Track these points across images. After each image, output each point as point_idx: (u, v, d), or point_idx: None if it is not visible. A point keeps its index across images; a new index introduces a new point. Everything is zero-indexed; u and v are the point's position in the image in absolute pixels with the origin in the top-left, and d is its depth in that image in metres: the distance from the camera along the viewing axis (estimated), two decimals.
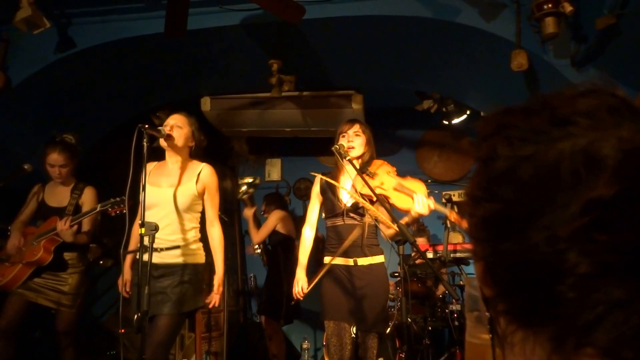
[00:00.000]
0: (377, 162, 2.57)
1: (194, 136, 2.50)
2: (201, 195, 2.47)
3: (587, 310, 0.33)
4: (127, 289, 2.46)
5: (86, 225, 2.93)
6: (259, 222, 4.29)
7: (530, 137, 0.38)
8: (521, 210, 0.36)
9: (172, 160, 2.47)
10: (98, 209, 2.73)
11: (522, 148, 0.38)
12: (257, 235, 4.14)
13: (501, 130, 0.41)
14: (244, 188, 4.28)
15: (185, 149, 2.49)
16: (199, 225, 2.49)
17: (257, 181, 4.39)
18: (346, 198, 2.52)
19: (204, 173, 2.48)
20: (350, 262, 2.47)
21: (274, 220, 4.12)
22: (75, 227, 2.79)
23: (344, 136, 2.55)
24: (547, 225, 0.35)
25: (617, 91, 0.39)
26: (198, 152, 2.56)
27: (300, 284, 2.47)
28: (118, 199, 2.63)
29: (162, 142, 2.40)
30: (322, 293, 2.51)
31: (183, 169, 2.48)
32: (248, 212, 4.30)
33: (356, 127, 2.56)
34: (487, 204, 0.39)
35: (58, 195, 2.96)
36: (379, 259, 2.52)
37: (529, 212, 0.36)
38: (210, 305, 2.43)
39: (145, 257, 2.08)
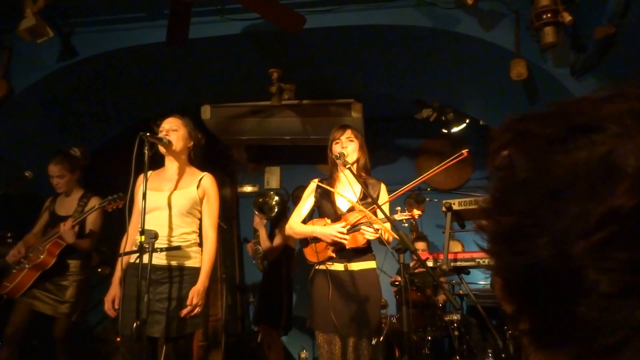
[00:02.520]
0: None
1: (191, 136, 2.50)
2: (201, 201, 2.46)
3: (609, 333, 0.31)
4: (116, 306, 2.30)
5: (89, 226, 2.98)
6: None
7: (547, 146, 0.36)
8: (532, 222, 0.34)
9: (172, 166, 2.47)
10: (97, 207, 2.82)
11: (539, 158, 0.36)
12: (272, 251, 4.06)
13: (518, 139, 0.39)
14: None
15: (185, 152, 2.48)
16: (198, 231, 2.47)
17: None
18: (343, 205, 2.54)
19: (205, 180, 2.48)
20: (341, 267, 2.46)
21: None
22: (77, 228, 2.83)
23: (337, 143, 2.56)
24: (560, 239, 0.33)
25: None
26: (198, 151, 2.54)
27: (336, 229, 2.38)
28: (115, 195, 2.72)
29: (162, 149, 2.40)
30: (312, 300, 2.50)
31: (184, 173, 2.48)
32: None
33: (348, 133, 2.57)
34: (500, 217, 0.38)
35: (66, 205, 3.04)
36: (370, 264, 2.51)
37: (540, 224, 0.34)
38: (182, 315, 2.26)
39: (145, 264, 2.07)
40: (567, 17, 2.56)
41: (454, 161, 2.32)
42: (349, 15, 3.13)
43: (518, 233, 0.36)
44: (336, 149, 2.54)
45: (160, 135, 2.38)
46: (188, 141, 2.48)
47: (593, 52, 2.66)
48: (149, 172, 2.42)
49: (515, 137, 0.39)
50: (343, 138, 2.55)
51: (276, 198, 4.17)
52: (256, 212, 4.17)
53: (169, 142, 2.38)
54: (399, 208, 2.42)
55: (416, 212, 2.39)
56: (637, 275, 0.30)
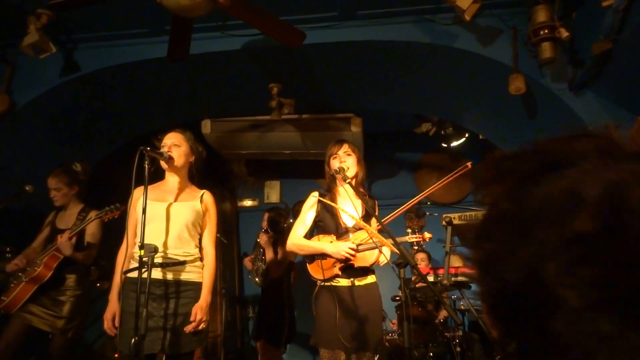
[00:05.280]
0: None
1: (192, 151, 2.51)
2: (203, 215, 2.47)
3: (578, 345, 0.34)
4: (117, 324, 2.24)
5: (88, 239, 2.96)
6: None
7: (524, 181, 0.40)
8: (508, 248, 0.38)
9: (174, 180, 2.48)
10: (93, 218, 2.81)
11: (516, 192, 0.40)
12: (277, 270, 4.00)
13: (498, 177, 0.44)
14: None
15: (186, 167, 2.50)
16: (200, 245, 2.46)
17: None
18: (348, 220, 2.54)
19: (206, 196, 2.52)
20: (347, 282, 2.46)
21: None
22: (75, 240, 2.81)
23: (335, 158, 2.56)
24: (529, 262, 0.36)
25: (612, 133, 0.41)
26: (199, 164, 2.55)
27: (347, 246, 2.38)
28: (112, 206, 2.71)
29: (163, 164, 2.41)
30: (316, 317, 2.47)
31: (185, 187, 2.50)
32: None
33: (345, 147, 2.58)
34: (481, 246, 0.42)
35: (66, 218, 3.04)
36: (372, 278, 2.52)
37: (515, 249, 0.37)
38: (187, 331, 2.23)
39: (144, 278, 2.06)
40: (564, 33, 2.59)
41: (458, 174, 2.33)
42: (349, 31, 3.17)
43: (495, 259, 0.40)
44: (334, 164, 2.54)
45: (163, 150, 2.38)
46: (190, 156, 2.50)
47: (591, 68, 2.69)
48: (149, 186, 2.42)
49: (495, 175, 0.44)
50: (340, 153, 2.56)
51: (289, 221, 4.09)
52: (266, 228, 4.08)
53: (170, 157, 2.39)
54: (409, 230, 2.43)
55: (427, 235, 2.41)
56: (600, 290, 0.33)
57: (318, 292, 2.49)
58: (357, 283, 2.45)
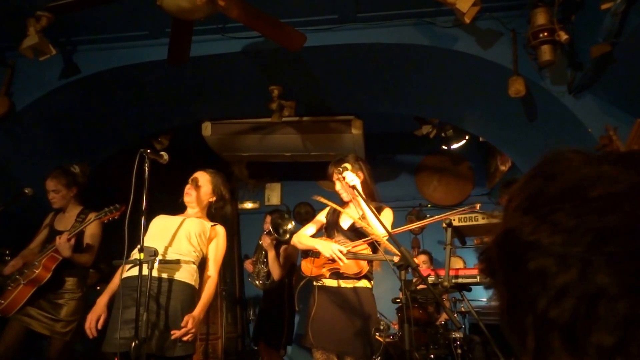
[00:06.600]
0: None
1: (214, 192, 2.59)
2: (210, 240, 2.50)
3: None
4: (100, 327, 2.25)
5: (87, 240, 2.94)
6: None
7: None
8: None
9: (193, 211, 2.58)
10: (93, 219, 2.80)
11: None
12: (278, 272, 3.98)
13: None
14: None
15: (205, 204, 2.59)
16: (198, 257, 2.45)
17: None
18: (345, 223, 2.58)
19: (219, 227, 2.56)
20: (334, 283, 2.49)
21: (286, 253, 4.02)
22: (74, 241, 2.78)
23: (337, 179, 2.60)
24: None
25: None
26: (219, 206, 2.63)
27: (337, 247, 2.41)
28: (112, 206, 2.72)
29: (185, 198, 2.53)
30: (311, 317, 2.49)
31: (201, 216, 2.58)
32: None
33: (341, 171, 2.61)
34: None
35: (65, 220, 3.02)
36: (364, 283, 2.51)
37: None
38: (173, 337, 2.19)
39: (142, 278, 2.07)
40: (564, 36, 2.59)
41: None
42: (349, 33, 3.17)
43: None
44: (336, 185, 2.61)
45: (186, 187, 2.51)
46: (210, 196, 2.59)
47: (590, 70, 2.69)
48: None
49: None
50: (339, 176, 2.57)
51: (292, 224, 4.07)
52: (271, 230, 4.06)
53: (187, 193, 2.51)
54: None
55: (421, 258, 2.43)
56: None
57: (304, 287, 2.60)
58: (342, 285, 2.46)
